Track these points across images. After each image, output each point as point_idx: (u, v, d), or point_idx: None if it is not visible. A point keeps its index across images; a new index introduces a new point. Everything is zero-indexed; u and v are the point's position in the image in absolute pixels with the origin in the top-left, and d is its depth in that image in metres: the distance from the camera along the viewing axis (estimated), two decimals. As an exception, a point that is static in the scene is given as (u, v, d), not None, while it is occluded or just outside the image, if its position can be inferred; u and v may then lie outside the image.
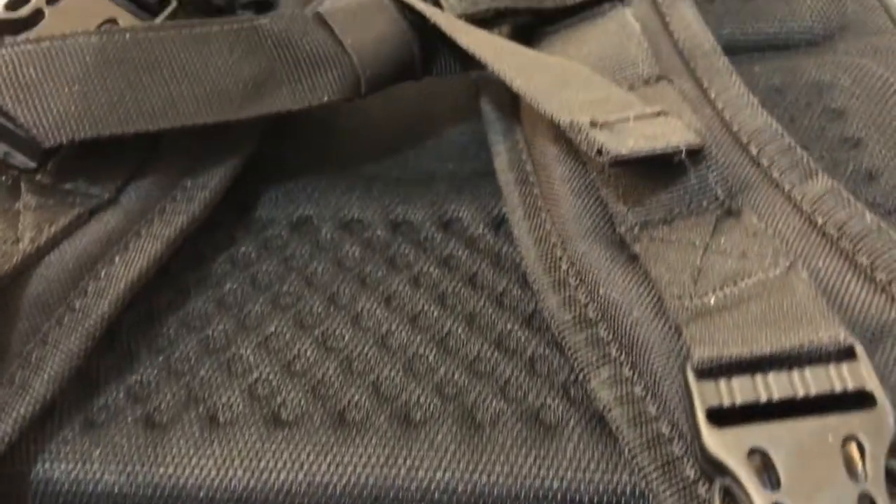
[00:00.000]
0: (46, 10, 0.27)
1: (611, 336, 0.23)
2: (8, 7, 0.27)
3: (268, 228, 0.29)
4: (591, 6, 0.32)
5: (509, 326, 0.25)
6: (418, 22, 0.30)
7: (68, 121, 0.25)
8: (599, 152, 0.23)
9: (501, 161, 0.29)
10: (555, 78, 0.27)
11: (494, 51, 0.28)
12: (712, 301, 0.22)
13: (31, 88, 0.25)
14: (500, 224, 0.29)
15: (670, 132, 0.24)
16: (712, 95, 0.28)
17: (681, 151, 0.24)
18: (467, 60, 0.29)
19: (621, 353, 0.22)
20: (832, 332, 0.20)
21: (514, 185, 0.28)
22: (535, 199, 0.27)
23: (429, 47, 0.30)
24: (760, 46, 0.36)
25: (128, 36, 0.26)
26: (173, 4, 0.30)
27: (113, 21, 0.28)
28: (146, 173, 0.27)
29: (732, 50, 0.35)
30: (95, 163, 0.27)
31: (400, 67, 0.30)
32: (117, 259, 0.25)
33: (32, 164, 0.25)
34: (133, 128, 0.25)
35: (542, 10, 0.32)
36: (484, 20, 0.32)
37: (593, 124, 0.24)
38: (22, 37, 0.26)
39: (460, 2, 0.31)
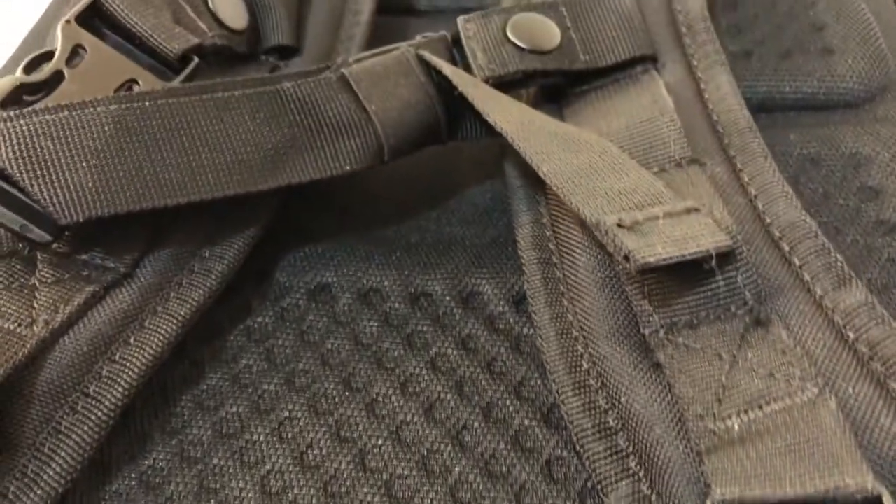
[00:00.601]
0: (66, 72, 0.27)
1: (631, 448, 0.22)
2: (27, 69, 0.27)
3: (285, 297, 0.28)
4: (622, 68, 0.31)
5: (527, 422, 0.25)
6: (445, 84, 0.29)
7: (85, 197, 0.24)
8: (626, 258, 0.23)
9: (524, 235, 0.28)
10: (582, 162, 0.26)
11: (522, 126, 0.27)
12: (736, 427, 0.21)
13: (47, 162, 0.24)
14: (520, 301, 0.28)
15: (700, 234, 0.24)
16: (745, 179, 0.27)
17: (711, 257, 0.23)
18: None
19: (641, 468, 0.22)
20: (860, 479, 0.19)
21: (536, 267, 0.27)
22: (557, 285, 0.26)
23: (455, 111, 0.30)
24: (798, 105, 0.35)
25: (147, 103, 0.26)
26: (195, 62, 0.29)
27: (133, 82, 0.28)
28: (164, 244, 0.27)
29: (769, 108, 0.35)
30: (112, 232, 0.26)
31: (425, 133, 0.29)
32: (132, 340, 0.25)
33: (49, 238, 0.25)
34: (151, 204, 0.25)
35: (573, 72, 0.31)
36: (513, 82, 0.31)
37: (620, 225, 0.23)
38: (41, 104, 0.25)
39: (489, 63, 0.30)
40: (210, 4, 0.31)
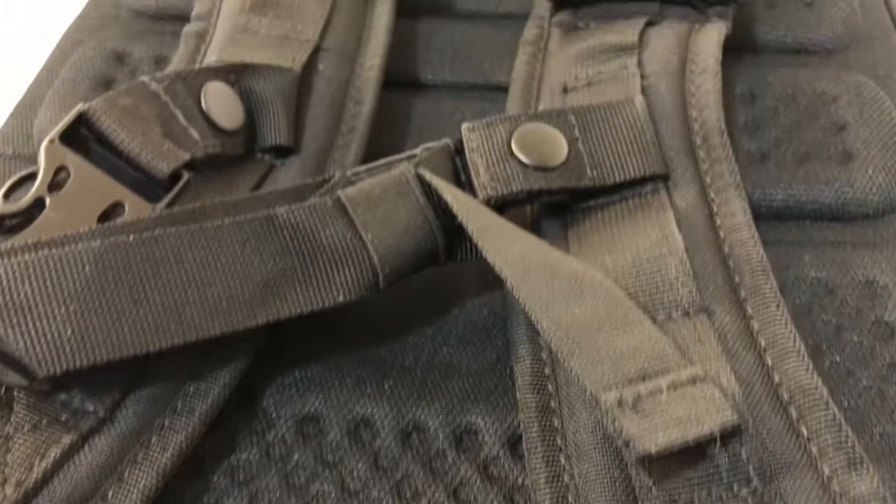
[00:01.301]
0: (48, 199, 0.25)
1: None
2: (7, 194, 0.25)
3: (271, 429, 0.27)
4: (631, 185, 0.30)
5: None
6: (445, 206, 0.28)
7: (63, 349, 0.23)
8: (626, 444, 0.22)
9: (523, 371, 0.27)
10: (585, 314, 0.25)
11: (522, 267, 0.26)
12: None
13: (24, 310, 0.23)
14: (516, 442, 0.27)
15: (704, 411, 0.23)
16: (755, 328, 0.26)
17: (715, 438, 0.22)
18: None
19: None
20: None
21: (534, 414, 0.26)
22: (555, 437, 0.25)
23: (454, 233, 0.28)
24: (814, 215, 0.33)
25: (131, 237, 0.25)
26: (184, 179, 0.28)
27: (119, 205, 0.27)
28: (145, 383, 0.26)
29: (784, 217, 0.33)
30: (92, 371, 0.25)
31: (422, 259, 0.28)
32: (110, 495, 0.24)
33: (25, 383, 0.24)
34: (133, 350, 0.24)
35: (579, 189, 0.30)
36: (516, 200, 0.30)
37: (621, 403, 0.22)
38: (20, 239, 0.24)
39: (491, 181, 0.29)
40: (203, 105, 0.30)
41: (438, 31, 0.41)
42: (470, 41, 0.40)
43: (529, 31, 0.38)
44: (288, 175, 0.32)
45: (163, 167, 0.27)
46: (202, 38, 0.36)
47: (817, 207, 0.33)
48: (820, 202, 0.33)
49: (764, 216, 0.33)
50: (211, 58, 0.33)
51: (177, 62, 0.35)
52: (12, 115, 0.37)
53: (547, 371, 0.27)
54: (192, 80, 0.30)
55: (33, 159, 0.35)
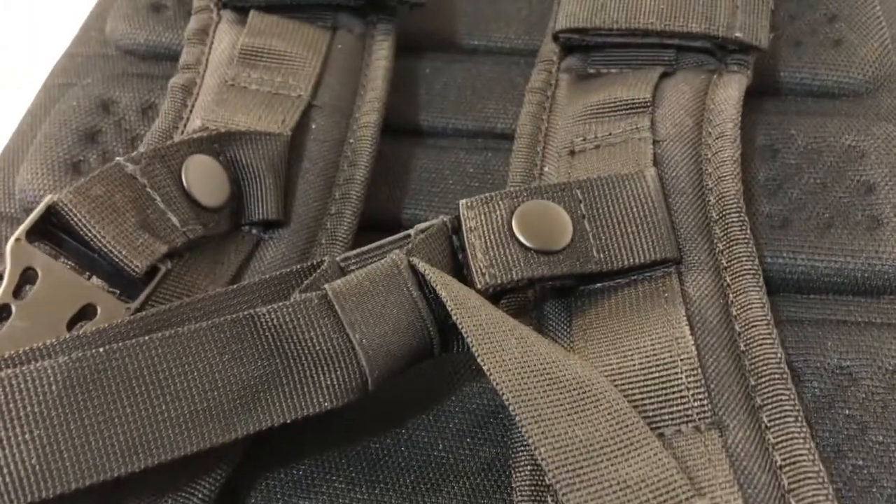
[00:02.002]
0: (14, 305, 0.24)
1: None
2: (-29, 301, 0.24)
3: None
4: (640, 268, 0.28)
5: None
6: (439, 298, 0.26)
7: (28, 480, 0.22)
8: None
9: (521, 480, 0.25)
10: (587, 435, 0.23)
11: (521, 375, 0.24)
12: None
13: (-15, 436, 0.22)
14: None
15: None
16: (771, 441, 0.24)
17: None
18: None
19: None
20: None
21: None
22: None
23: (449, 326, 0.27)
24: (838, 289, 0.31)
25: (101, 350, 0.23)
26: (161, 272, 0.26)
27: (90, 307, 0.25)
28: (119, 499, 0.24)
29: (806, 290, 0.31)
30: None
31: (414, 356, 0.26)
32: None
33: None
34: (103, 476, 0.22)
35: (584, 274, 0.28)
36: (516, 288, 0.28)
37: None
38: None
39: (490, 266, 0.27)
40: (184, 183, 0.28)
41: (440, 71, 0.39)
42: (473, 83, 0.38)
43: (537, 77, 0.36)
44: (277, 250, 0.30)
45: (138, 264, 0.26)
46: (189, 91, 0.34)
47: (842, 281, 0.31)
48: (845, 275, 0.31)
49: (783, 289, 0.31)
50: (196, 121, 0.31)
51: (162, 118, 0.33)
52: (1, 156, 0.36)
53: (547, 480, 0.25)
54: (173, 156, 0.28)
55: (14, 220, 0.34)
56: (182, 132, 0.33)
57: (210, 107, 0.32)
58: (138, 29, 0.40)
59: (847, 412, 0.28)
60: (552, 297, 0.29)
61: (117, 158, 0.27)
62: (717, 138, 0.31)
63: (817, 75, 0.37)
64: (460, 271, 0.28)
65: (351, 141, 0.33)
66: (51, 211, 0.25)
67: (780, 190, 0.33)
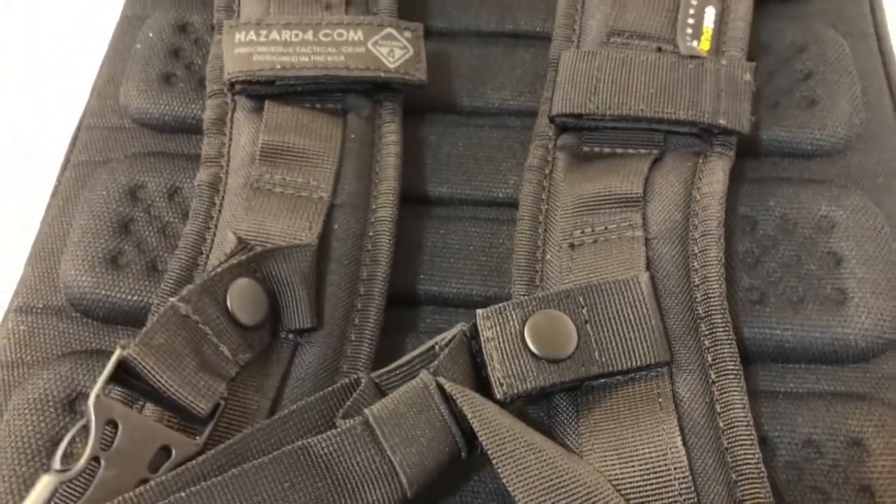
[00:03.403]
0: (102, 458, 0.28)
1: None
2: (64, 459, 0.27)
3: None
4: (635, 370, 0.32)
5: None
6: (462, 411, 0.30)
7: None
8: None
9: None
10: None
11: (535, 487, 0.28)
12: None
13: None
14: None
15: None
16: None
17: None
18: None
19: None
20: None
21: None
22: None
23: (475, 434, 0.31)
24: (808, 358, 0.35)
25: (184, 495, 0.27)
26: (221, 406, 0.30)
27: (165, 448, 0.29)
28: None
29: (780, 360, 0.35)
30: None
31: (445, 464, 0.30)
32: None
33: None
34: None
35: (587, 379, 0.32)
36: (530, 395, 0.32)
37: None
38: (81, 506, 0.27)
39: (507, 377, 0.31)
40: (230, 310, 0.32)
41: (444, 137, 0.41)
42: (475, 151, 0.41)
43: (534, 154, 0.39)
44: (314, 354, 0.34)
45: (203, 407, 0.29)
46: (215, 188, 0.37)
47: (812, 352, 0.35)
48: (815, 348, 0.35)
49: (759, 359, 0.35)
50: (228, 232, 0.34)
51: (192, 218, 0.36)
52: (32, 259, 0.39)
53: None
54: (217, 286, 0.31)
55: (63, 312, 0.37)
56: (213, 232, 0.36)
57: (240, 215, 0.35)
58: (152, 103, 0.42)
59: (813, 484, 0.32)
60: (562, 392, 0.33)
61: (171, 301, 0.30)
62: (702, 235, 0.34)
63: (793, 138, 0.40)
64: (480, 374, 0.32)
65: (370, 234, 0.36)
66: (121, 365, 0.29)
67: (757, 265, 0.37)
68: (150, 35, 0.44)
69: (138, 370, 0.29)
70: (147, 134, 0.42)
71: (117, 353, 0.29)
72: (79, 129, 0.43)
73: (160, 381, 0.29)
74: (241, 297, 0.32)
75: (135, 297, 0.36)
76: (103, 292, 0.36)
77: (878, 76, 0.43)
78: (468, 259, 0.38)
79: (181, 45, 0.43)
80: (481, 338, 0.32)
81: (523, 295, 0.35)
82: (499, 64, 0.43)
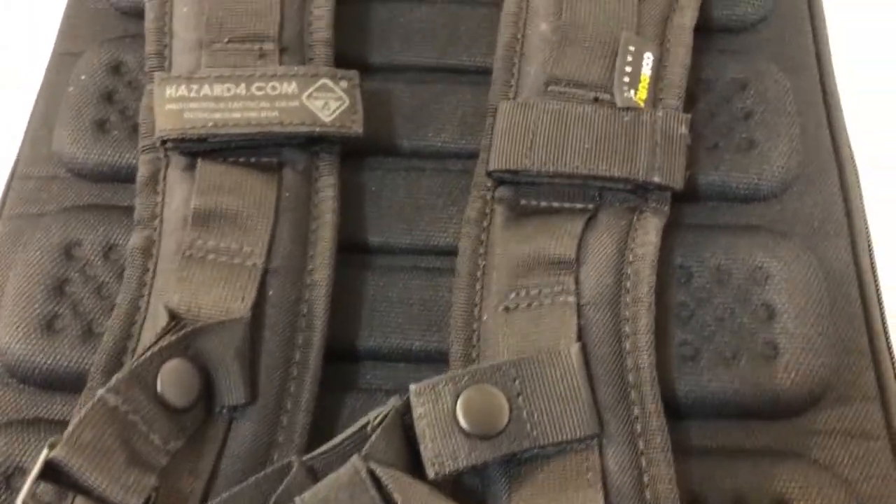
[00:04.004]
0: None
1: None
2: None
3: None
4: (566, 443, 0.33)
5: None
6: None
7: None
8: None
9: None
10: None
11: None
12: None
13: None
14: None
15: None
16: None
17: None
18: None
19: None
20: None
21: None
22: None
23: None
24: (741, 413, 0.36)
25: None
26: (153, 498, 0.30)
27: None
28: None
29: (713, 415, 0.36)
30: None
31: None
32: None
33: None
34: None
35: (519, 453, 0.32)
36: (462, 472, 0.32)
37: None
38: None
39: (438, 457, 0.32)
40: (160, 394, 0.32)
41: (383, 183, 0.41)
42: (415, 197, 0.41)
43: (472, 206, 0.38)
44: (249, 428, 0.34)
45: (133, 503, 0.29)
46: (148, 253, 0.37)
47: (744, 409, 0.36)
48: (747, 405, 0.36)
49: (692, 415, 0.36)
50: (160, 305, 0.34)
51: (125, 287, 0.36)
52: None
53: None
54: (147, 371, 0.32)
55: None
56: (147, 300, 0.36)
57: (172, 286, 0.35)
58: (86, 152, 0.41)
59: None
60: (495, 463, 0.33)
61: (100, 392, 0.30)
62: (634, 301, 0.35)
63: (731, 182, 0.40)
64: (414, 448, 0.32)
65: (306, 298, 0.36)
66: (49, 465, 0.29)
67: (691, 319, 0.37)
68: (83, 77, 0.43)
69: (66, 470, 0.29)
70: (81, 184, 0.41)
71: (44, 453, 0.29)
72: (12, 177, 0.42)
73: (88, 481, 0.29)
74: (172, 380, 0.32)
75: (72, 363, 0.36)
76: (39, 358, 0.36)
77: (818, 112, 0.43)
78: (408, 312, 0.38)
79: (115, 88, 0.42)
80: (414, 414, 0.32)
81: (461, 356, 0.35)
82: (440, 103, 0.43)
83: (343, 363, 0.38)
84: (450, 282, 0.38)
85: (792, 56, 0.44)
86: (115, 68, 0.43)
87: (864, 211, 0.41)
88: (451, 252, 0.39)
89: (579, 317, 0.34)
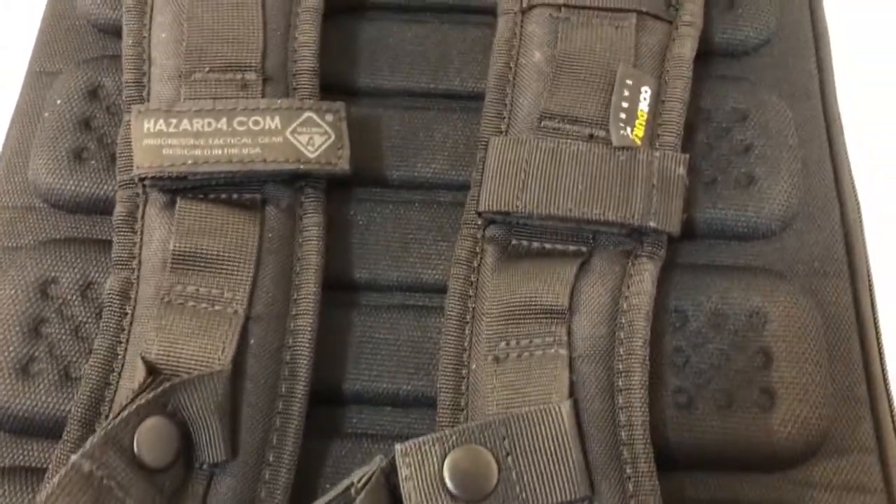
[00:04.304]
0: None
1: None
2: None
3: None
4: None
5: None
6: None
7: None
8: None
9: None
10: None
11: None
12: None
13: None
14: None
15: None
16: None
17: None
18: None
19: None
20: None
21: None
22: None
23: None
24: (735, 466, 0.35)
25: None
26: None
27: None
28: None
29: (708, 466, 0.36)
30: None
31: None
32: None
33: None
34: None
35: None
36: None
37: None
38: None
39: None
40: (137, 455, 0.31)
41: (370, 216, 0.40)
42: (403, 232, 0.39)
43: (462, 245, 0.37)
44: (229, 484, 0.33)
45: None
46: (126, 297, 0.35)
47: (740, 460, 0.35)
48: (742, 455, 0.35)
49: (686, 466, 0.35)
50: (138, 360, 0.33)
51: (102, 333, 0.35)
52: None
53: None
54: (124, 432, 0.30)
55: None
56: (125, 346, 0.34)
57: (151, 336, 0.33)
58: (63, 182, 0.39)
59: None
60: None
61: (73, 458, 0.29)
62: (628, 355, 0.34)
63: (729, 220, 0.39)
64: (399, 510, 0.32)
65: (289, 344, 0.35)
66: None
67: (686, 365, 0.36)
68: (59, 102, 0.41)
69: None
70: (58, 215, 0.40)
71: (16, 527, 0.28)
72: (-14, 207, 0.41)
73: None
74: (150, 440, 0.31)
75: (49, 409, 0.35)
76: (15, 404, 0.35)
77: (821, 143, 0.41)
78: (396, 354, 0.37)
79: (92, 114, 0.41)
80: (399, 475, 0.31)
81: (449, 405, 0.35)
82: (430, 132, 0.41)
83: (327, 406, 0.37)
84: (438, 322, 0.37)
85: (794, 82, 0.43)
86: (93, 92, 0.41)
87: (865, 247, 0.40)
88: (441, 289, 0.38)
89: (571, 371, 0.33)
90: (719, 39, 0.43)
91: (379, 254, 0.39)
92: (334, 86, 0.42)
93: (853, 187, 0.41)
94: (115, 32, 0.43)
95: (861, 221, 0.41)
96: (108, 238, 0.38)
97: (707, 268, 0.38)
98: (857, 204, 0.41)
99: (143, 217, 0.37)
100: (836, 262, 0.39)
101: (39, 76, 0.43)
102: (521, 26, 0.40)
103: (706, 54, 0.42)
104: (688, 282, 0.38)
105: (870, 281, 0.39)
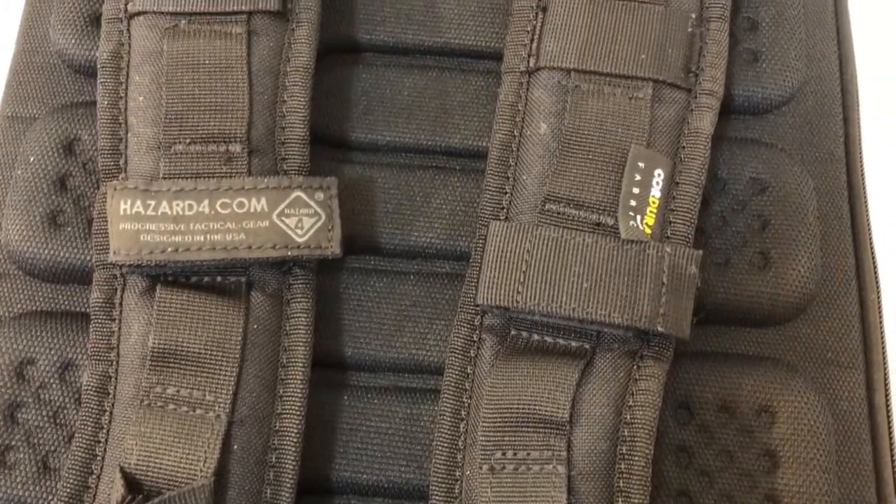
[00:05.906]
0: None
1: None
2: None
3: None
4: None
5: None
6: None
7: None
8: None
9: None
10: None
11: None
12: None
13: None
14: None
15: None
16: None
17: None
18: None
19: None
20: None
21: None
22: None
23: None
24: None
25: None
26: None
27: None
28: None
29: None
30: None
31: None
32: None
33: None
34: None
35: None
36: None
37: None
38: None
39: None
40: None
41: (362, 291, 0.38)
42: (397, 309, 0.37)
43: (458, 333, 0.35)
44: None
45: None
46: (104, 392, 0.34)
47: None
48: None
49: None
50: (116, 472, 0.32)
51: (80, 433, 0.34)
52: None
53: None
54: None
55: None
56: (103, 447, 0.33)
57: (129, 445, 0.32)
58: (37, 248, 0.37)
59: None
60: None
61: None
62: (629, 474, 0.32)
63: (743, 306, 0.37)
64: None
65: (274, 446, 0.34)
66: None
67: (690, 462, 0.35)
68: (32, 159, 0.38)
69: None
70: (34, 284, 0.38)
71: None
72: (-41, 272, 0.39)
73: None
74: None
75: (28, 502, 0.34)
76: (-6, 498, 0.34)
77: (842, 216, 0.39)
78: (387, 443, 0.36)
79: (68, 171, 0.38)
80: None
81: None
82: (427, 196, 0.39)
83: (315, 497, 0.36)
84: (432, 408, 0.36)
85: (819, 144, 0.40)
86: (68, 147, 0.39)
87: (882, 331, 0.38)
88: (435, 370, 0.37)
89: (569, 491, 0.32)
90: (740, 96, 0.40)
91: (371, 332, 0.37)
92: (326, 138, 0.39)
93: (873, 260, 0.39)
94: (91, 74, 0.40)
95: (880, 300, 0.39)
96: (87, 310, 0.36)
97: (715, 357, 0.36)
98: (877, 280, 0.39)
99: (121, 304, 0.35)
100: (850, 352, 0.37)
101: (13, 122, 0.40)
102: (527, 90, 0.37)
103: (724, 112, 0.39)
104: (695, 373, 0.36)
105: (886, 373, 0.37)
